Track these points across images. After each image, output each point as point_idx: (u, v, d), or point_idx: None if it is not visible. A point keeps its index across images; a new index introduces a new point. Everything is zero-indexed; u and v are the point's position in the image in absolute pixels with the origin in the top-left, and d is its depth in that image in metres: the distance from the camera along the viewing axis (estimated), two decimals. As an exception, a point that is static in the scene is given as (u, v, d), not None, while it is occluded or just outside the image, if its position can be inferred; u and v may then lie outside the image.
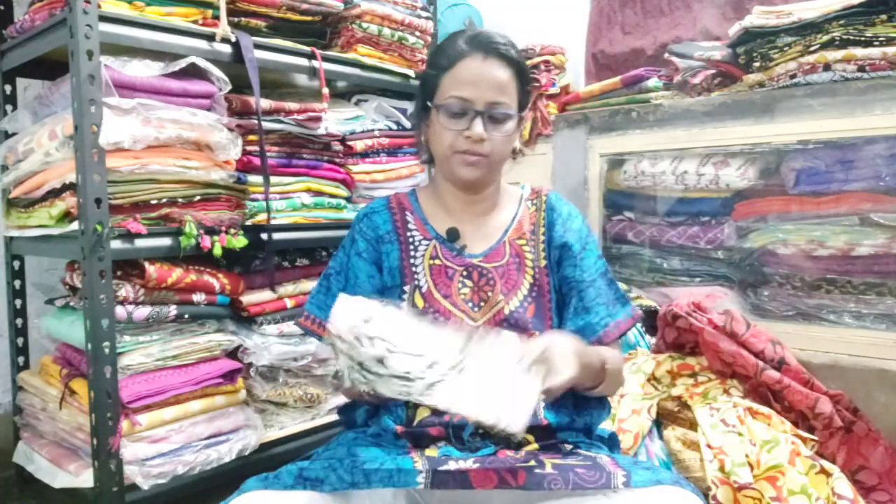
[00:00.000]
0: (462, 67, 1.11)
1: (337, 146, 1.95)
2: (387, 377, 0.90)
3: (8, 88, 1.82)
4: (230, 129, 1.64)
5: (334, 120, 1.94)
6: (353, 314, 0.91)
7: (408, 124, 2.12)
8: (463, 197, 1.20)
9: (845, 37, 1.62)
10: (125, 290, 1.49)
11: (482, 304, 1.13)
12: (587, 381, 1.06)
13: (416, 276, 1.15)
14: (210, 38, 1.60)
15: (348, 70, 1.95)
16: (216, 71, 1.61)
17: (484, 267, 1.15)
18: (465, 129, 1.10)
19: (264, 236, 1.70)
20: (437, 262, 1.16)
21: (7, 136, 1.75)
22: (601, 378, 1.08)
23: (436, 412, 1.08)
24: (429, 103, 1.16)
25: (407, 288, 1.15)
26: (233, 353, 1.72)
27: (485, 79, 1.10)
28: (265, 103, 1.72)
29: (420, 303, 1.13)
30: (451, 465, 0.97)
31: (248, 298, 1.74)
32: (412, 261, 1.17)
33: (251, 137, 1.69)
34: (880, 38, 1.59)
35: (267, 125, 1.73)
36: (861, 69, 1.60)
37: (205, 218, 1.59)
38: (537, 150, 2.29)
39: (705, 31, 2.23)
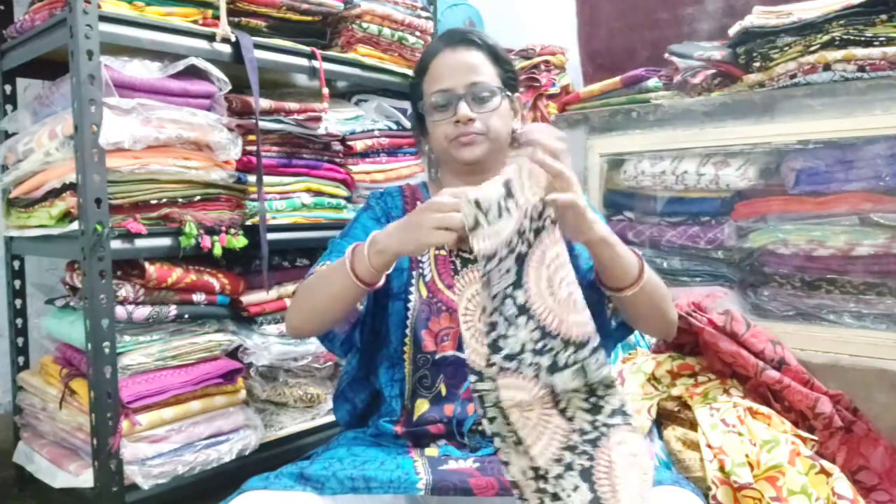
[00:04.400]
0: (435, 64, 1.15)
1: (337, 146, 1.95)
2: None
3: (8, 88, 1.82)
4: (230, 129, 1.64)
5: (334, 120, 1.94)
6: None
7: (408, 124, 2.12)
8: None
9: (845, 37, 1.62)
10: (125, 290, 1.49)
11: None
12: (616, 258, 0.99)
13: (420, 265, 1.15)
14: (210, 38, 1.60)
15: (348, 70, 1.95)
16: (216, 71, 1.61)
17: None
18: (452, 116, 1.12)
19: (270, 236, 1.70)
20: (441, 252, 1.16)
21: (7, 136, 1.76)
22: (633, 270, 1.02)
23: (434, 405, 1.08)
24: (420, 110, 1.19)
25: (414, 273, 1.15)
26: (233, 353, 1.72)
27: (458, 65, 1.13)
28: (265, 103, 1.72)
29: (424, 291, 1.13)
30: (452, 465, 0.97)
31: (248, 298, 1.74)
32: None
33: (251, 137, 1.69)
34: (880, 38, 1.59)
35: (267, 125, 1.74)
36: (861, 69, 1.60)
37: (205, 218, 1.59)
38: (537, 150, 2.29)
39: (704, 32, 2.23)
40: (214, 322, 1.69)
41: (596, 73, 2.46)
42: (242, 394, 1.70)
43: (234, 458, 1.66)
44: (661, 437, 1.56)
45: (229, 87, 1.64)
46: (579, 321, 0.86)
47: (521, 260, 0.87)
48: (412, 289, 1.14)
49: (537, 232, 0.87)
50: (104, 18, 1.43)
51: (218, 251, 1.58)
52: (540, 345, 0.85)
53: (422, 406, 1.10)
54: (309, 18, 1.88)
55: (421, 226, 0.92)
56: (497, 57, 1.17)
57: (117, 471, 1.46)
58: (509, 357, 0.86)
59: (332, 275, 1.04)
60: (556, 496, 0.84)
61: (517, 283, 0.86)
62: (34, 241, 1.67)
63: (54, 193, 1.55)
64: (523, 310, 0.86)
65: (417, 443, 1.08)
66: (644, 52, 2.35)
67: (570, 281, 0.87)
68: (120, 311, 1.48)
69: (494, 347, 0.86)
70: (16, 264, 1.88)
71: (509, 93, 1.17)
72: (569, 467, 0.85)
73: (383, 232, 0.99)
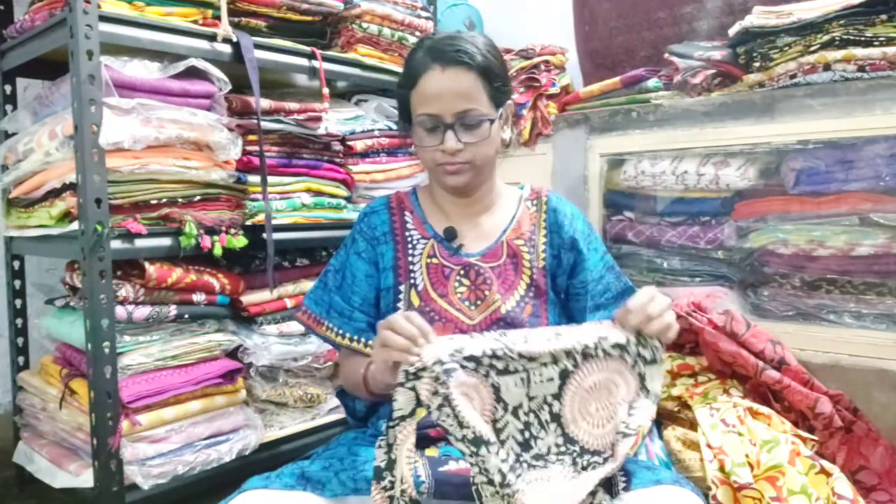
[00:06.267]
0: (424, 83, 1.10)
1: (337, 146, 1.95)
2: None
3: (8, 88, 1.83)
4: (230, 129, 1.64)
5: (334, 120, 1.94)
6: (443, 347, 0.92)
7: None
8: (457, 200, 1.20)
9: (845, 37, 1.62)
10: (125, 290, 1.49)
11: (479, 302, 1.13)
12: None
13: (412, 275, 1.15)
14: (210, 38, 1.60)
15: (348, 70, 1.95)
16: (216, 71, 1.61)
17: (481, 266, 1.15)
18: (439, 144, 1.09)
19: (265, 237, 1.70)
20: (434, 260, 1.16)
21: (7, 136, 1.76)
22: None
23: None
24: (406, 122, 1.17)
25: (403, 287, 1.15)
26: (233, 353, 1.72)
27: (447, 91, 1.08)
28: (265, 103, 1.72)
29: (416, 301, 1.13)
30: (452, 466, 0.98)
31: (248, 298, 1.74)
32: (410, 259, 1.17)
33: (251, 137, 1.69)
34: (880, 38, 1.59)
35: (267, 125, 1.73)
36: (861, 69, 1.60)
37: (205, 218, 1.59)
38: (537, 150, 2.29)
39: (703, 30, 2.23)
40: (214, 322, 1.69)
41: (595, 72, 2.45)
42: (242, 394, 1.70)
43: (234, 458, 1.66)
44: (661, 437, 1.56)
45: (229, 87, 1.64)
46: (598, 434, 0.95)
47: (565, 375, 0.94)
48: (400, 305, 1.14)
49: (585, 356, 0.94)
50: (104, 18, 1.43)
51: (218, 251, 1.58)
52: (562, 448, 0.94)
53: (421, 412, 1.10)
54: (309, 18, 1.88)
55: (377, 360, 0.95)
56: (489, 76, 1.11)
57: (117, 471, 1.47)
58: (538, 457, 0.93)
59: (359, 383, 1.09)
60: None
61: (557, 395, 0.94)
62: (34, 241, 1.67)
63: (54, 193, 1.55)
64: (555, 418, 0.94)
65: (417, 444, 1.07)
66: (643, 50, 2.34)
67: (604, 406, 0.95)
68: (120, 311, 1.48)
69: (525, 446, 0.93)
70: (16, 264, 1.88)
71: (501, 109, 1.14)
72: None
73: (373, 357, 0.99)
